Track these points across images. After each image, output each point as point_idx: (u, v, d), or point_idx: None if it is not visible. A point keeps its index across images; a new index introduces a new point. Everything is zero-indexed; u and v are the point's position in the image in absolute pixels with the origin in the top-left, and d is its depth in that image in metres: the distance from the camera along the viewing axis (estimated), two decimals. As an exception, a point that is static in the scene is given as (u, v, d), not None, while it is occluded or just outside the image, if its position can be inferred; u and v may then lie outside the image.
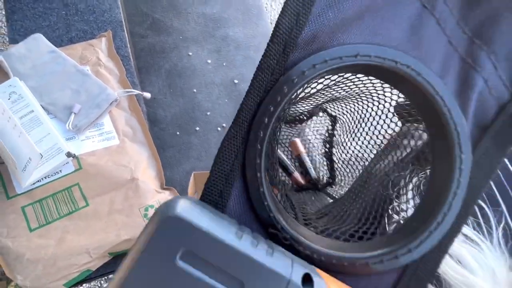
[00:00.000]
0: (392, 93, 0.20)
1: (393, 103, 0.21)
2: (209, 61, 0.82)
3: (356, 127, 0.26)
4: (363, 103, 0.24)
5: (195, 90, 0.78)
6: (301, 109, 0.29)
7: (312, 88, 0.21)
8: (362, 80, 0.20)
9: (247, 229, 0.12)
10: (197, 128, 0.76)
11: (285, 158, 0.29)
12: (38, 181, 0.41)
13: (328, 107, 0.28)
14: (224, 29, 0.85)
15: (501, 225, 0.23)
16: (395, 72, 0.13)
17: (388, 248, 0.13)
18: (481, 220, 0.24)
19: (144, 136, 0.50)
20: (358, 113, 0.25)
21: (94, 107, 0.46)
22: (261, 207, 0.13)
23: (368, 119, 0.25)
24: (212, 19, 0.84)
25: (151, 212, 0.44)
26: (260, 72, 0.13)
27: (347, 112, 0.26)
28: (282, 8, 0.13)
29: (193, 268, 0.10)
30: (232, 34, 0.85)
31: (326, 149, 0.28)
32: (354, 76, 0.19)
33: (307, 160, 0.28)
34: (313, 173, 0.28)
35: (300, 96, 0.21)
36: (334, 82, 0.21)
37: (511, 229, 0.24)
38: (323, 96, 0.25)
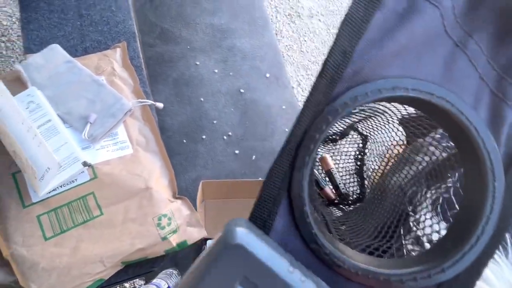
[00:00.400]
0: (402, 108, 0.21)
1: (399, 115, 0.22)
2: (216, 70, 0.83)
3: (383, 146, 0.28)
4: (394, 123, 0.25)
5: (202, 99, 0.79)
6: (334, 130, 0.30)
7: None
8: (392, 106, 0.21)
9: (298, 263, 0.13)
10: (204, 137, 0.77)
11: (316, 173, 0.30)
12: (54, 190, 0.42)
13: (359, 126, 0.29)
14: (231, 40, 0.87)
15: (514, 239, 0.24)
16: (431, 103, 0.14)
17: (422, 267, 0.14)
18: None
19: (157, 146, 0.50)
20: (388, 132, 0.27)
21: (109, 116, 0.47)
22: (304, 225, 0.14)
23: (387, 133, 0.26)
24: (219, 29, 0.86)
25: (164, 221, 0.45)
26: (308, 103, 0.14)
27: (378, 131, 0.28)
28: (331, 46, 0.14)
29: None
30: (239, 45, 0.87)
31: (357, 166, 0.30)
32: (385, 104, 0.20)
33: (337, 176, 0.29)
34: (343, 188, 0.29)
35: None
36: (367, 106, 0.23)
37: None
38: (355, 117, 0.26)
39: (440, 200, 0.29)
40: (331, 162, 0.30)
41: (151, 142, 0.50)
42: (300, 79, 1.09)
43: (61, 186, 0.42)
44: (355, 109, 0.15)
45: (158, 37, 0.82)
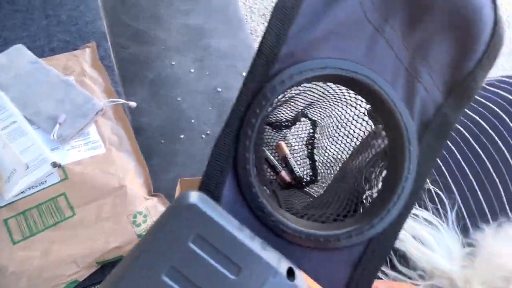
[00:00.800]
0: (356, 97, 0.23)
1: (359, 105, 0.24)
2: (192, 70, 0.83)
3: (331, 129, 0.30)
4: (336, 106, 0.27)
5: (179, 99, 0.79)
6: (285, 116, 0.32)
7: (290, 93, 0.24)
8: (330, 87, 0.23)
9: (246, 227, 0.14)
10: (182, 136, 0.77)
11: (273, 158, 0.32)
12: (22, 192, 0.41)
13: (309, 112, 0.31)
14: (206, 40, 0.87)
15: (455, 209, 0.27)
16: (356, 80, 0.16)
17: (356, 226, 0.16)
18: (439, 206, 0.28)
19: (130, 144, 0.50)
20: (333, 116, 0.29)
21: (79, 116, 0.46)
22: (250, 194, 0.16)
23: (341, 121, 0.28)
24: (194, 29, 0.87)
25: (139, 218, 0.45)
26: (248, 81, 0.15)
27: (325, 116, 0.30)
28: (266, 30, 0.15)
29: (201, 250, 0.12)
30: (214, 44, 0.87)
31: (309, 150, 0.32)
32: (323, 84, 0.22)
33: (292, 161, 0.31)
34: (297, 171, 0.31)
35: (281, 100, 0.24)
36: (308, 88, 0.24)
37: (462, 212, 0.28)
38: (301, 101, 0.28)
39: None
40: (286, 148, 0.32)
41: (124, 141, 0.50)
42: (278, 77, 1.11)
43: (29, 189, 0.41)
44: (294, 89, 0.17)
45: (132, 38, 0.81)
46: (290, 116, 0.32)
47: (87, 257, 0.41)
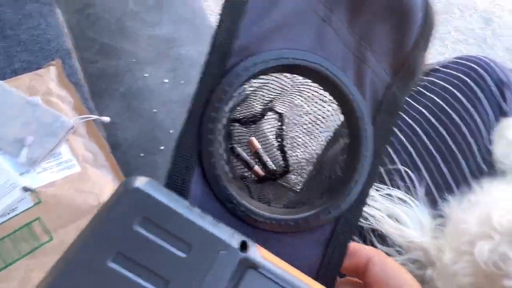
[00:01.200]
0: (314, 85, 0.25)
1: (319, 94, 0.25)
2: (166, 80, 0.83)
3: (298, 120, 0.31)
4: (298, 97, 0.29)
5: (154, 110, 0.78)
6: (251, 111, 0.33)
7: (251, 88, 0.25)
8: (287, 77, 0.24)
9: (197, 207, 0.14)
10: (162, 147, 0.75)
11: (245, 155, 0.32)
12: (-9, 222, 0.39)
13: (274, 106, 0.32)
14: (176, 49, 0.87)
15: (423, 185, 0.29)
16: (309, 68, 0.17)
17: (323, 206, 0.17)
18: (409, 184, 0.30)
19: (106, 160, 0.49)
20: (296, 107, 0.30)
21: (49, 136, 0.45)
22: (218, 187, 0.16)
23: (304, 111, 0.29)
24: (163, 40, 0.86)
25: (122, 234, 0.44)
26: (204, 77, 0.16)
27: (288, 107, 0.31)
28: (216, 26, 0.16)
29: (148, 232, 0.12)
30: (184, 53, 0.87)
31: (278, 142, 0.33)
32: (279, 75, 0.23)
33: (264, 155, 0.32)
34: (271, 164, 0.32)
35: (242, 94, 0.24)
36: (267, 80, 0.25)
37: (430, 187, 0.30)
38: (263, 94, 0.29)
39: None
40: (257, 143, 0.33)
41: (100, 157, 0.48)
42: (253, 80, 1.13)
43: (0, 217, 0.39)
44: (254, 81, 0.18)
45: (99, 52, 0.79)
46: (257, 111, 0.33)
47: (70, 281, 0.39)
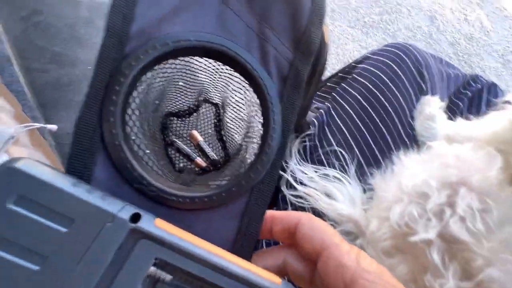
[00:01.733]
0: (228, 70, 0.25)
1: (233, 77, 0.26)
2: (124, 87, 0.81)
3: (228, 108, 0.31)
4: (221, 84, 0.29)
5: (114, 117, 0.76)
6: (184, 103, 0.33)
7: (167, 75, 0.26)
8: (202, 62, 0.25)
9: (84, 183, 0.14)
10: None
11: (186, 147, 0.32)
12: None
13: (208, 97, 0.33)
14: (135, 55, 0.85)
15: (355, 161, 0.31)
16: (214, 49, 0.17)
17: (236, 180, 0.17)
18: (343, 162, 0.32)
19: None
20: (222, 94, 0.31)
21: (-16, 148, 0.42)
22: (126, 169, 0.16)
23: (230, 97, 0.30)
24: (121, 46, 0.84)
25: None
26: (101, 61, 0.16)
27: (217, 96, 0.32)
28: (109, 12, 0.16)
29: (24, 210, 0.12)
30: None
31: (217, 133, 0.33)
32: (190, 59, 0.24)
33: (205, 146, 0.32)
34: (212, 155, 0.32)
35: (158, 83, 0.25)
36: (181, 67, 0.26)
37: (361, 164, 0.31)
38: (189, 84, 0.29)
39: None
40: (198, 136, 0.33)
41: (46, 166, 0.46)
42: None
43: None
44: (154, 64, 0.18)
45: (50, 61, 0.76)
46: (191, 103, 0.33)
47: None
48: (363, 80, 0.36)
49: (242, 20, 0.18)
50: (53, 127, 0.52)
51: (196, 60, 0.27)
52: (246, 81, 0.19)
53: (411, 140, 0.33)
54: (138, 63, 0.16)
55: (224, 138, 0.34)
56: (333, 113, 0.36)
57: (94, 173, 0.16)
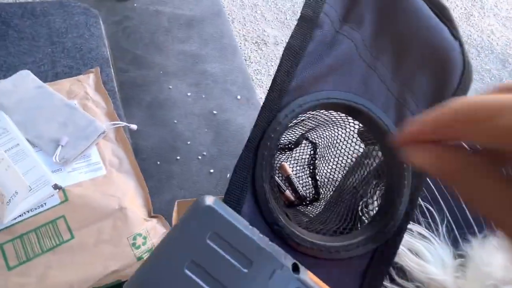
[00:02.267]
0: (354, 123, 0.26)
1: (355, 130, 0.27)
2: (188, 93, 0.86)
3: (330, 151, 0.32)
4: (334, 130, 0.30)
5: (175, 121, 0.81)
6: (289, 139, 0.35)
7: (296, 120, 0.27)
8: (331, 113, 0.26)
9: (255, 228, 0.16)
10: (178, 157, 0.78)
11: (277, 178, 0.34)
12: (20, 216, 0.40)
13: (309, 136, 0.34)
14: (202, 65, 0.91)
15: (444, 223, 0.30)
16: (354, 108, 0.19)
17: (362, 237, 0.18)
18: (430, 220, 0.30)
19: (130, 166, 0.51)
20: (331, 139, 0.31)
21: (82, 139, 0.47)
22: (267, 209, 0.17)
23: (338, 143, 0.31)
24: (191, 55, 0.91)
25: (139, 240, 0.45)
26: (263, 110, 0.18)
27: (323, 138, 0.33)
28: (278, 67, 0.18)
29: (217, 247, 0.14)
30: (210, 69, 0.91)
31: (310, 170, 0.34)
32: (325, 111, 0.25)
33: (295, 181, 0.33)
34: (301, 190, 0.33)
35: (288, 126, 0.26)
36: (311, 115, 0.27)
37: (451, 225, 0.30)
38: (304, 126, 0.31)
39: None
40: (289, 169, 0.34)
41: (125, 162, 0.51)
42: (270, 100, 1.16)
43: (28, 211, 0.41)
44: (301, 116, 0.20)
45: (131, 62, 0.84)
46: (293, 139, 0.34)
47: (84, 282, 0.40)
48: None
49: (385, 85, 0.19)
50: (134, 126, 0.57)
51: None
52: (375, 139, 0.20)
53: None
54: (292, 114, 0.18)
55: (317, 177, 0.35)
56: None
57: (243, 209, 0.17)
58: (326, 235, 0.22)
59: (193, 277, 0.13)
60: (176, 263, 0.13)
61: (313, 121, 0.30)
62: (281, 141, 0.35)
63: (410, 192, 0.18)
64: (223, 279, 0.14)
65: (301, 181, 0.34)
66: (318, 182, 0.34)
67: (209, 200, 0.15)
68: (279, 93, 0.18)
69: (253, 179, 0.18)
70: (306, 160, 0.35)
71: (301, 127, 0.32)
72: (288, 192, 0.33)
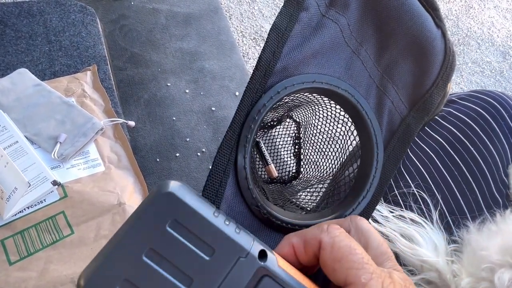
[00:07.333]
0: (336, 107, 0.26)
1: (336, 111, 0.27)
2: (187, 91, 0.87)
3: (311, 131, 0.33)
4: (315, 109, 0.30)
5: (174, 118, 0.82)
6: (270, 117, 0.35)
7: (281, 101, 0.28)
8: (314, 96, 0.27)
9: (223, 212, 0.15)
10: (177, 154, 0.78)
11: (265, 150, 0.34)
12: (20, 212, 0.41)
13: (293, 115, 0.34)
14: (200, 62, 0.91)
15: (438, 209, 0.30)
16: (338, 93, 0.19)
17: (335, 214, 0.18)
18: (423, 206, 0.31)
19: (129, 162, 0.52)
20: (314, 118, 0.32)
21: (80, 136, 0.48)
22: (247, 191, 0.18)
23: (319, 124, 0.31)
24: (188, 53, 0.91)
25: (138, 235, 0.45)
26: (248, 91, 0.18)
27: (306, 117, 0.33)
28: (263, 47, 0.18)
29: (178, 234, 0.13)
30: (208, 66, 0.92)
31: (295, 149, 0.34)
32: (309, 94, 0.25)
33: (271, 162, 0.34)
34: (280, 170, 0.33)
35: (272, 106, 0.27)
36: (295, 97, 0.28)
37: (444, 212, 0.30)
38: (287, 106, 0.31)
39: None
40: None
41: (123, 158, 0.51)
42: (269, 96, 1.16)
43: (28, 207, 0.42)
44: (285, 98, 0.20)
45: (128, 60, 0.84)
46: (275, 118, 0.35)
47: (85, 276, 0.41)
48: (448, 125, 0.35)
49: (367, 71, 0.19)
50: (132, 123, 0.58)
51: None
52: (354, 123, 0.20)
53: (503, 197, 0.31)
54: (277, 96, 0.18)
55: (302, 156, 0.36)
56: (410, 154, 0.35)
57: (225, 191, 0.18)
58: (302, 213, 0.23)
59: (152, 264, 0.13)
60: (133, 250, 0.13)
61: (295, 102, 0.30)
62: (264, 119, 0.36)
63: (379, 177, 0.19)
64: (183, 267, 0.13)
65: (284, 159, 0.35)
66: (302, 162, 0.34)
67: (172, 185, 0.14)
68: (264, 73, 0.18)
69: (235, 161, 0.18)
70: (290, 139, 0.35)
71: (284, 107, 0.32)
72: (272, 166, 0.34)
